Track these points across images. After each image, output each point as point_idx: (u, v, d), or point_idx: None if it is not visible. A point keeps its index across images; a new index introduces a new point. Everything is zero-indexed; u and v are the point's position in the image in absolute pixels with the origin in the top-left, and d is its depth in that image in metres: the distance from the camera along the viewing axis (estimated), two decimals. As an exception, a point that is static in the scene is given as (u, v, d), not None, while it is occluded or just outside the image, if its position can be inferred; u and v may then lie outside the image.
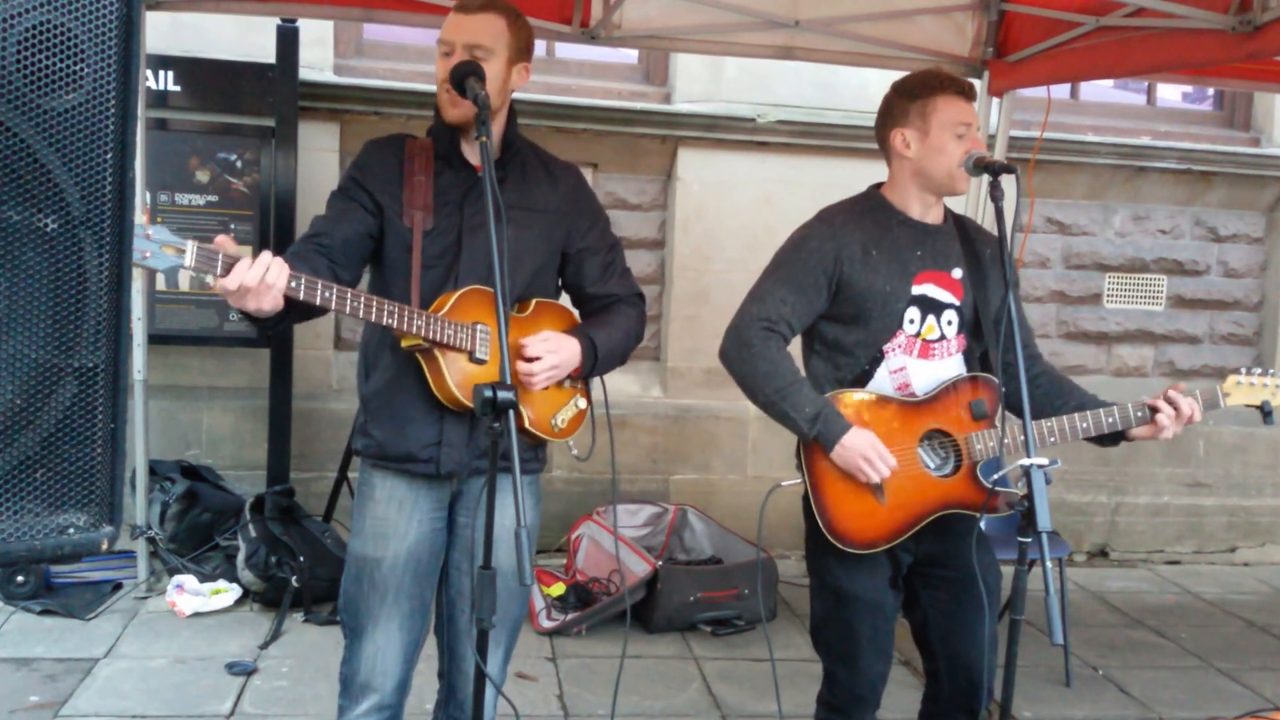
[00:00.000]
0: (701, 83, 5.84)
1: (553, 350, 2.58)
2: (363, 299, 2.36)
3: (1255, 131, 6.69)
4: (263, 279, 2.18)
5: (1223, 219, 6.65)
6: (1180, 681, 4.62)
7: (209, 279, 2.19)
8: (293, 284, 2.24)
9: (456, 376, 2.50)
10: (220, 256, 2.16)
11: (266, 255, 2.21)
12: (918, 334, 2.78)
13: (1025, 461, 2.44)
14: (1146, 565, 6.43)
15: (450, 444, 2.59)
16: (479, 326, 2.53)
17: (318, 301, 2.28)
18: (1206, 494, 6.61)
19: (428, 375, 2.52)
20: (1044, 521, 2.39)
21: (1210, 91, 6.80)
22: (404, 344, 2.49)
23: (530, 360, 2.55)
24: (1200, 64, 4.17)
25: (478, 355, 2.51)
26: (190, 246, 2.11)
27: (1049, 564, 2.37)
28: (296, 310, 2.34)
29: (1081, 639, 4.96)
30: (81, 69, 1.37)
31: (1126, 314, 6.60)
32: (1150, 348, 6.66)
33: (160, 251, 2.08)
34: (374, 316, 2.37)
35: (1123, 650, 4.95)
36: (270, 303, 2.22)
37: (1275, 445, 6.66)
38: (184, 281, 5.26)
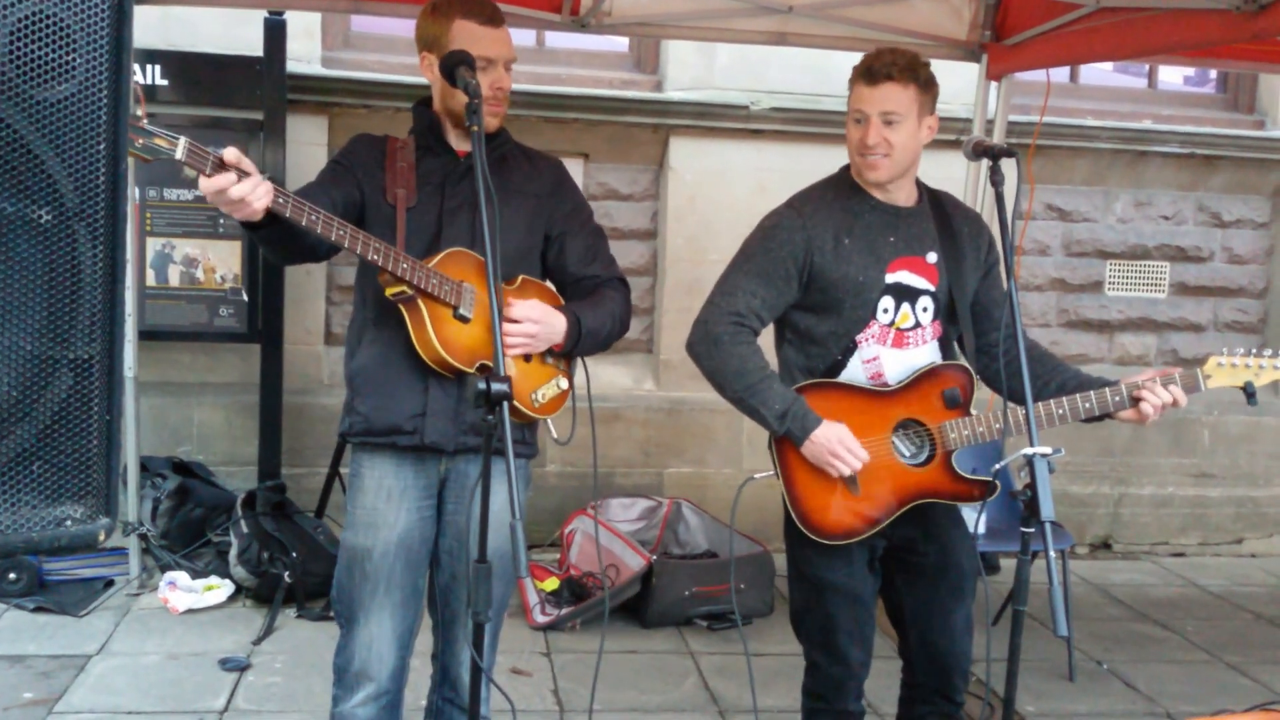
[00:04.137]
0: (693, 70, 5.79)
1: (536, 320, 2.58)
2: (349, 229, 2.36)
3: (1259, 114, 6.62)
4: (244, 195, 2.18)
5: (1226, 204, 6.57)
6: (1186, 675, 4.57)
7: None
8: (279, 200, 2.25)
9: (440, 332, 2.50)
10: (210, 157, 2.16)
11: (253, 177, 2.22)
12: (891, 323, 2.75)
13: (1028, 450, 2.42)
14: (1151, 557, 6.38)
15: (435, 414, 2.61)
16: (465, 284, 2.54)
17: (303, 222, 2.29)
18: (1212, 484, 6.55)
19: (410, 328, 2.52)
20: (1047, 511, 2.37)
21: (1213, 74, 6.73)
22: (388, 291, 2.50)
23: (513, 321, 2.55)
24: (1204, 44, 4.10)
25: (461, 311, 2.52)
26: (182, 141, 2.11)
27: (1052, 555, 2.34)
28: (280, 228, 2.35)
29: (1085, 632, 4.92)
30: (74, 59, 1.38)
31: (1128, 302, 6.54)
32: (1153, 336, 6.59)
33: (152, 142, 2.08)
34: (359, 249, 2.37)
35: (1127, 644, 4.90)
36: (245, 215, 2.24)
37: (1282, 435, 6.60)
38: (174, 276, 5.23)
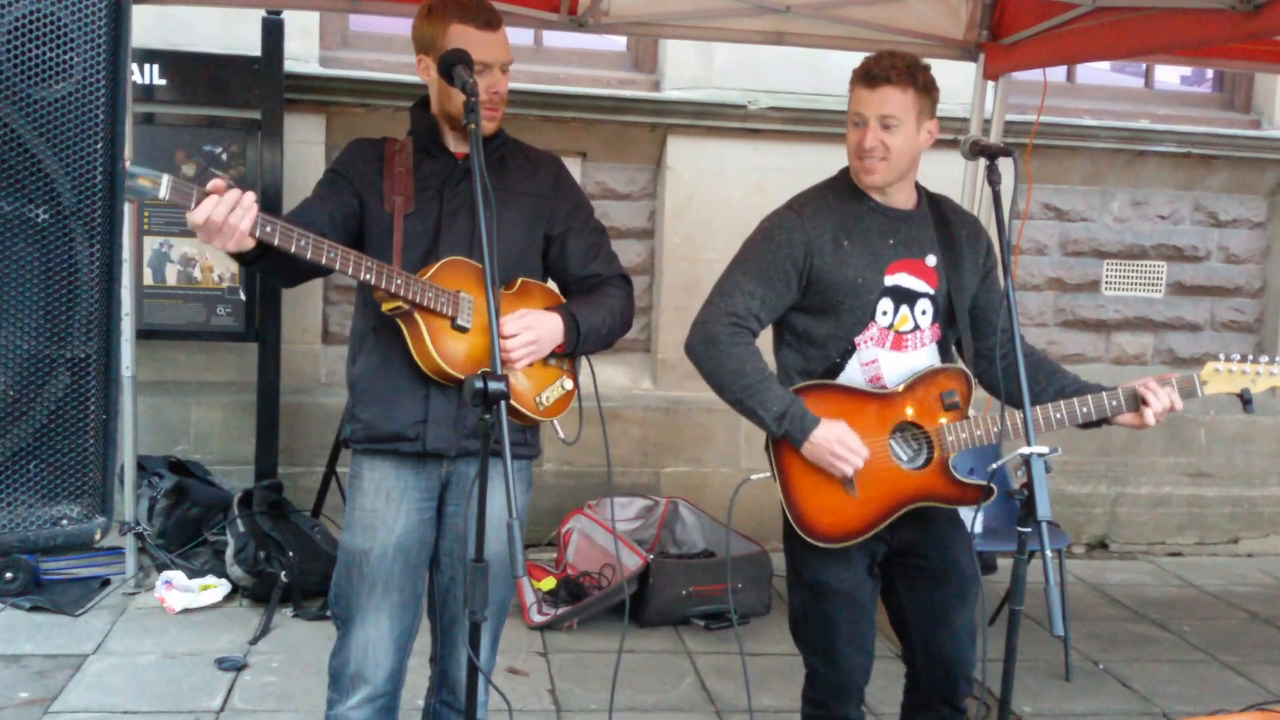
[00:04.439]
0: (691, 70, 5.79)
1: (529, 325, 2.56)
2: (339, 250, 2.35)
3: (1255, 113, 6.61)
4: (226, 218, 2.17)
5: (1223, 203, 6.58)
6: (1183, 675, 4.57)
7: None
8: (267, 229, 2.24)
9: (438, 344, 2.49)
10: (194, 191, 2.15)
11: (234, 194, 2.20)
12: (890, 326, 2.74)
13: (1025, 450, 2.42)
14: (1148, 557, 6.38)
15: (437, 421, 2.60)
16: (462, 294, 2.53)
17: (292, 249, 2.28)
18: (1209, 484, 6.55)
19: (409, 342, 2.51)
20: (1044, 510, 2.37)
21: (1209, 73, 6.73)
22: (384, 307, 2.50)
23: (507, 337, 2.52)
24: (1200, 44, 4.10)
25: (459, 322, 2.51)
26: (165, 180, 2.10)
27: (1049, 554, 2.33)
28: (274, 257, 2.34)
29: (1081, 632, 4.92)
30: (72, 58, 1.38)
31: (1125, 301, 6.54)
32: (1150, 335, 6.59)
33: (136, 184, 2.07)
34: (351, 270, 2.36)
35: (1124, 644, 4.90)
36: (235, 244, 2.22)
37: (1279, 434, 6.59)
38: (171, 275, 5.22)
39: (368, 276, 2.38)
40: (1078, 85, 6.50)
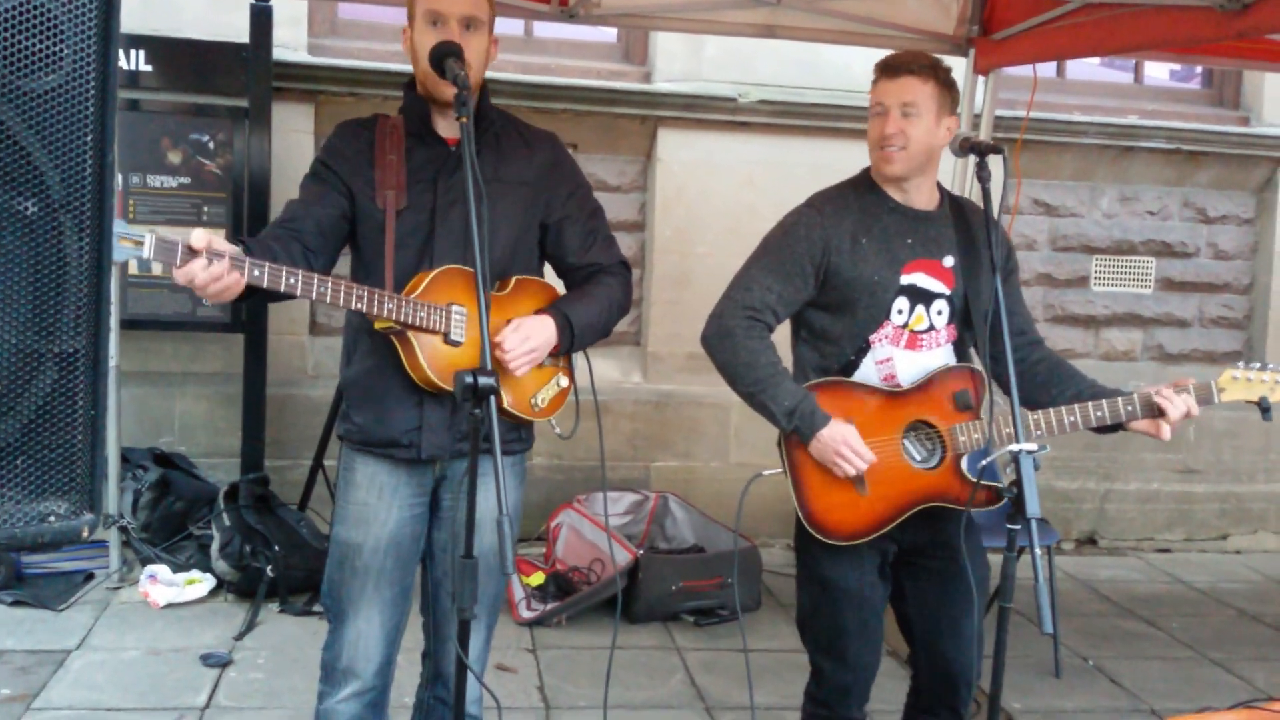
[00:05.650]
0: (681, 62, 5.77)
1: (526, 336, 2.53)
2: (329, 284, 2.32)
3: (1244, 110, 6.63)
4: (209, 282, 2.14)
5: (1212, 200, 6.59)
6: (1171, 672, 4.58)
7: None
8: (255, 273, 2.21)
9: (431, 359, 2.47)
10: (179, 247, 2.11)
11: (221, 255, 2.14)
12: (905, 325, 2.74)
13: (1014, 447, 2.43)
14: (1136, 553, 6.40)
15: (431, 428, 2.58)
16: (454, 308, 2.50)
17: (282, 289, 2.25)
18: (1197, 480, 6.57)
19: (403, 358, 2.50)
20: (1033, 508, 2.37)
21: (1198, 70, 6.74)
22: (377, 325, 2.48)
23: (505, 351, 2.50)
24: (1189, 42, 4.11)
25: (452, 337, 2.49)
26: (149, 239, 2.06)
27: (1038, 551, 2.33)
28: (262, 293, 2.31)
29: (1071, 629, 4.93)
30: (61, 50, 1.37)
31: (1114, 297, 6.55)
32: (1139, 331, 6.60)
33: (118, 244, 2.01)
34: (342, 301, 2.34)
35: (1113, 640, 4.91)
36: (230, 296, 2.20)
37: (1267, 431, 6.61)
38: (156, 265, 5.16)
39: (359, 305, 2.36)
40: (1067, 81, 6.50)
